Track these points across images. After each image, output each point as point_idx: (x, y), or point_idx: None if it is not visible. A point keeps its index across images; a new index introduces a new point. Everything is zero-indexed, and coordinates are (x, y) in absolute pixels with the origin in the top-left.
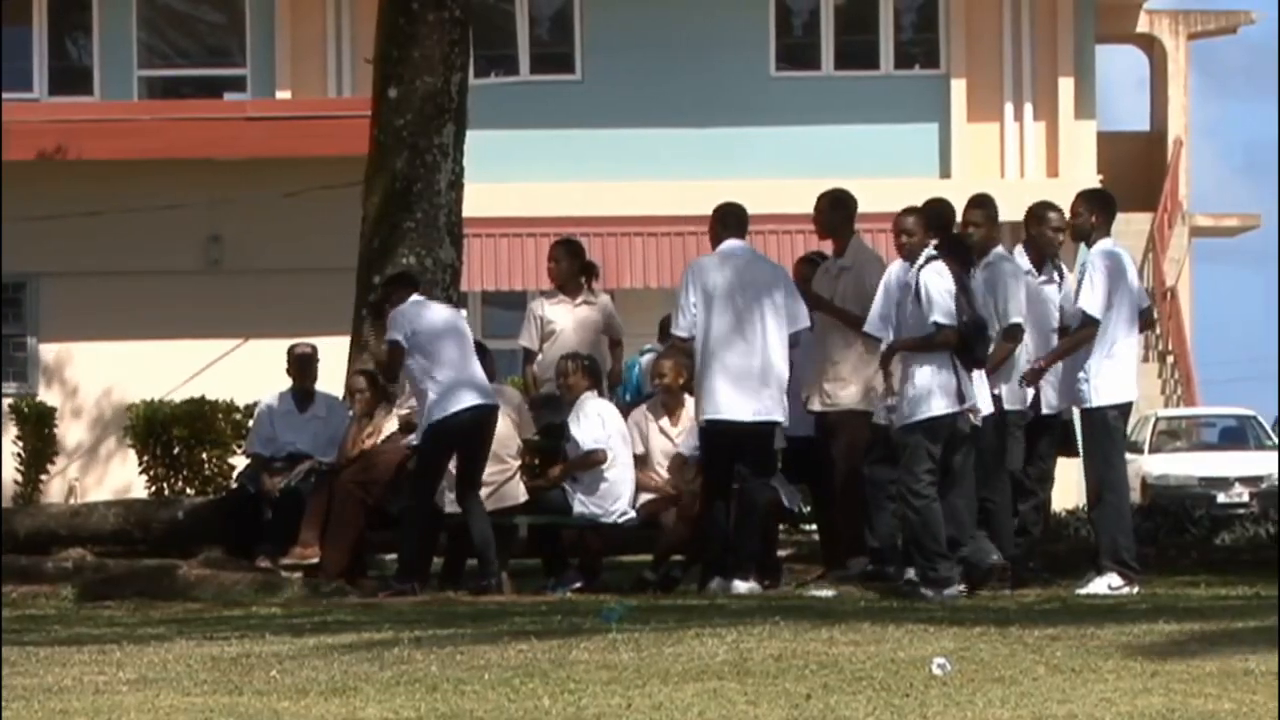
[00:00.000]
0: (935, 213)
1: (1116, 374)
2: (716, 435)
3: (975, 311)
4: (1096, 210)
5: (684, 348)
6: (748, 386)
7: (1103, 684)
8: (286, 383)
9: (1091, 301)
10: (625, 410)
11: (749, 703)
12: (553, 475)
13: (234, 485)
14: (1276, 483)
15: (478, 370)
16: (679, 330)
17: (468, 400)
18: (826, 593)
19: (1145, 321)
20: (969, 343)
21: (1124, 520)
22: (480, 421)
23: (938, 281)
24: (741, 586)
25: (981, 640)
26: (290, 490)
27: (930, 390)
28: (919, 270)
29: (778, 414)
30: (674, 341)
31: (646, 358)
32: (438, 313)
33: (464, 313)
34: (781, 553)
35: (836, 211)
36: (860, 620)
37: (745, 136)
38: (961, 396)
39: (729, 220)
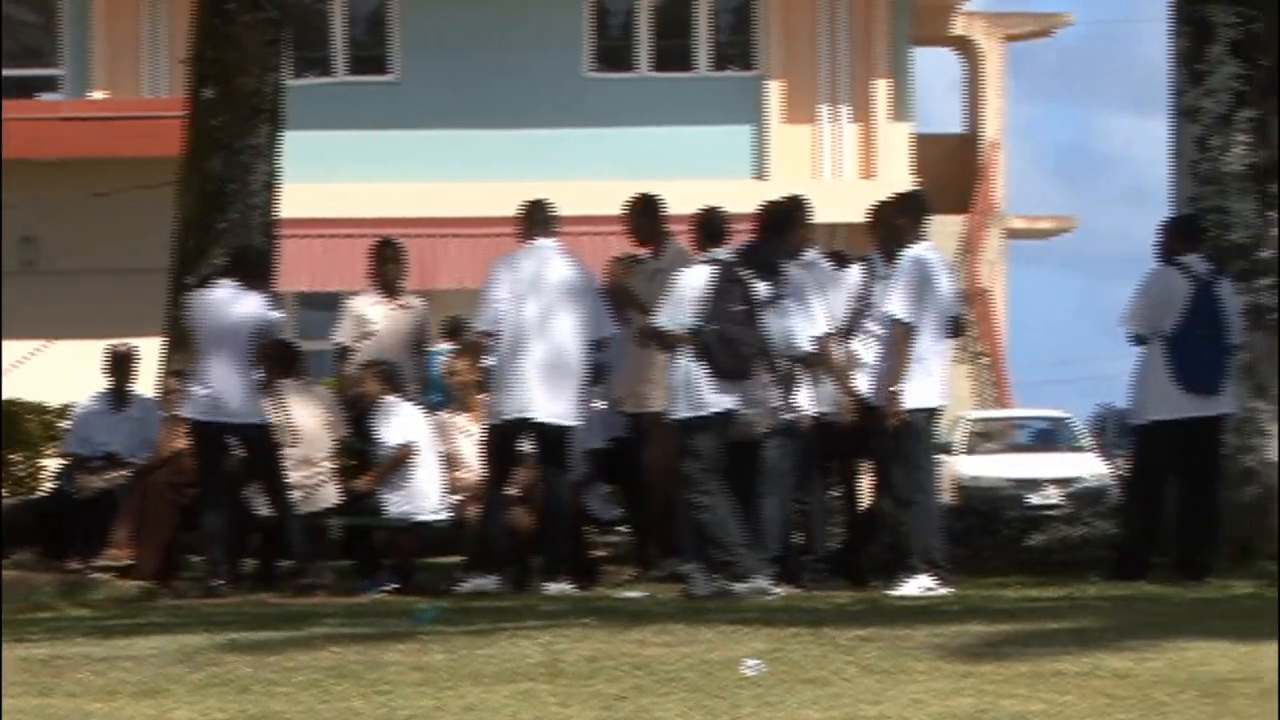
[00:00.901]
0: (706, 220)
1: (924, 379)
2: (512, 433)
3: (730, 323)
4: (907, 213)
5: (480, 344)
6: (546, 386)
7: (914, 685)
8: (102, 383)
9: (897, 305)
10: (434, 411)
11: (561, 704)
12: (365, 482)
13: (51, 486)
14: (1089, 484)
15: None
16: (482, 325)
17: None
18: (638, 594)
19: (955, 328)
20: (709, 350)
21: (935, 522)
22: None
23: (685, 281)
24: (553, 587)
25: (794, 641)
26: (103, 492)
27: (676, 389)
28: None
29: (573, 415)
30: (473, 337)
31: (444, 358)
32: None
33: (277, 315)
34: (595, 554)
35: (645, 216)
36: (673, 621)
37: (560, 137)
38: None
39: (537, 217)
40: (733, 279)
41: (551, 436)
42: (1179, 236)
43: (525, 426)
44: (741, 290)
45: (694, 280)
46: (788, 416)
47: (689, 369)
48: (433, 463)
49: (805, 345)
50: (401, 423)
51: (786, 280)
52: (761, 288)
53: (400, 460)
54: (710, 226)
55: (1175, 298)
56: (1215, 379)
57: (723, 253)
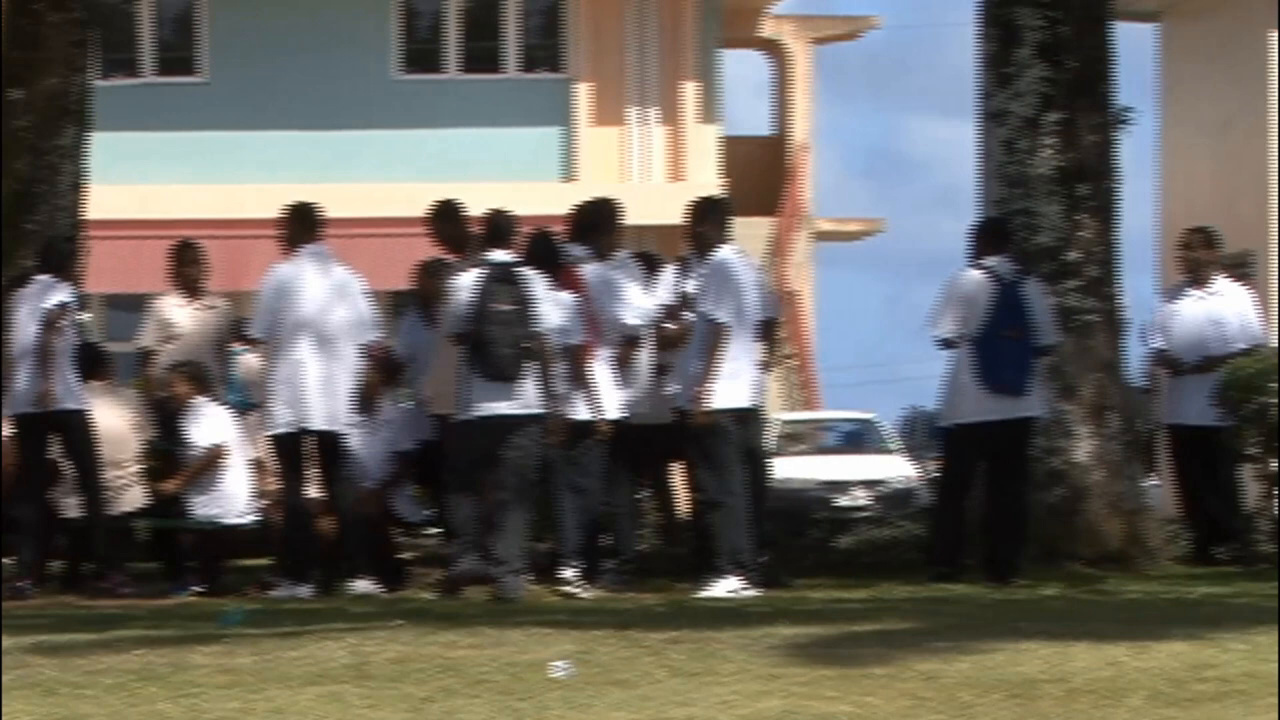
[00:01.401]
0: (491, 222)
1: (731, 380)
2: (290, 440)
3: (497, 324)
4: (710, 218)
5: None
6: (320, 392)
7: (722, 687)
8: None
9: (711, 307)
10: (242, 412)
11: (369, 706)
12: (174, 485)
13: None
14: (897, 486)
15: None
16: (255, 332)
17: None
18: (450, 595)
19: (767, 331)
20: (474, 352)
21: (741, 524)
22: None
23: (456, 284)
24: (359, 585)
25: (602, 643)
26: None
27: (460, 391)
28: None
29: (348, 419)
30: (253, 342)
31: (243, 358)
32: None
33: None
34: (403, 556)
35: (447, 222)
36: (481, 623)
37: (370, 140)
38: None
39: (305, 222)
40: (502, 279)
41: (329, 442)
42: (985, 239)
43: (307, 434)
44: (512, 290)
45: (463, 283)
46: (586, 417)
47: (462, 372)
48: (241, 465)
49: (576, 340)
50: (211, 424)
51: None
52: (538, 287)
53: (210, 462)
54: (495, 228)
55: (979, 300)
56: (1020, 381)
57: (499, 254)
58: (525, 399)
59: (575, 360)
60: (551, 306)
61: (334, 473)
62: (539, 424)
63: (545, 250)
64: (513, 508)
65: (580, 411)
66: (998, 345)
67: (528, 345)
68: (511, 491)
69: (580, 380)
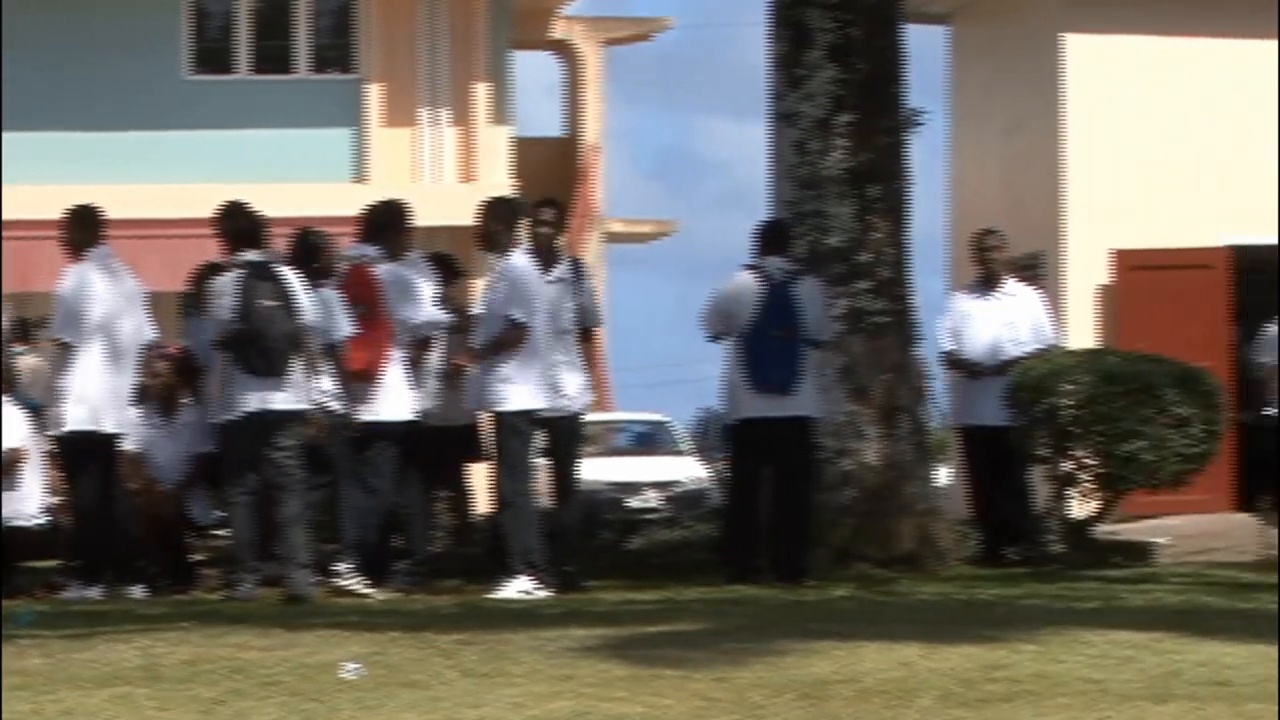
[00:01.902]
0: (227, 218)
1: (523, 384)
2: (81, 440)
3: (257, 321)
4: (501, 219)
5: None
6: (111, 394)
7: (514, 688)
8: None
9: (509, 308)
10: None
11: (159, 708)
12: None
13: None
14: (688, 487)
15: None
16: (60, 334)
17: None
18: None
19: (586, 336)
20: (235, 349)
21: (534, 525)
22: None
23: (216, 285)
24: (136, 590)
25: (393, 644)
26: None
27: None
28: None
29: (127, 423)
30: (51, 344)
31: (24, 359)
32: None
33: None
34: (195, 558)
35: (233, 222)
36: (272, 625)
37: (160, 140)
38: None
39: (88, 224)
40: (263, 276)
41: (112, 446)
42: (765, 240)
43: (96, 437)
44: (273, 287)
45: (223, 284)
46: (377, 418)
47: (226, 372)
48: (37, 466)
49: (343, 336)
50: (9, 426)
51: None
52: (297, 284)
53: (11, 464)
54: (242, 228)
55: (746, 299)
56: (788, 380)
57: (254, 254)
58: (292, 394)
59: (339, 358)
60: (311, 303)
61: (112, 477)
62: (305, 420)
63: (305, 249)
64: (288, 505)
65: (371, 412)
66: (766, 345)
67: (293, 341)
68: (285, 489)
69: (344, 377)
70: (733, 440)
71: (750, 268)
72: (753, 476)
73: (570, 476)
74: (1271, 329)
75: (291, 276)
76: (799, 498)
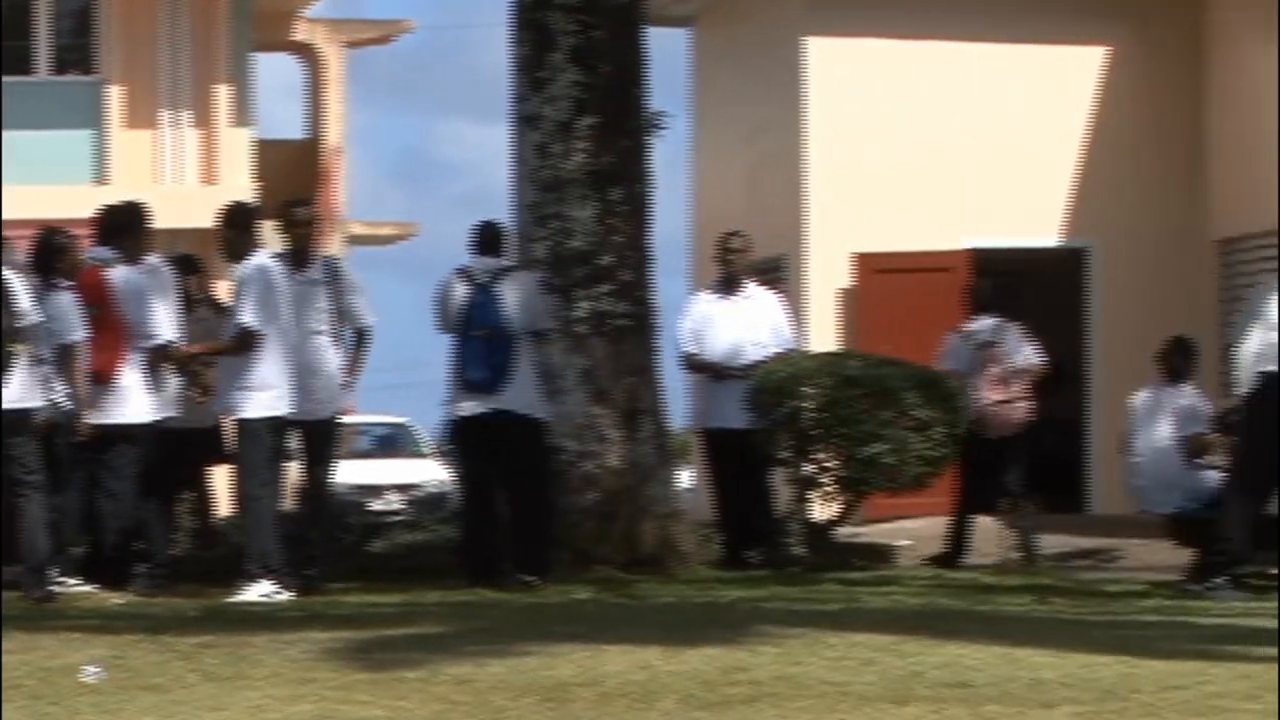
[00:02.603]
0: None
1: (263, 390)
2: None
3: None
4: (236, 224)
5: None
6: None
7: (255, 691)
8: None
9: (243, 314)
10: None
11: None
12: None
13: None
14: (430, 490)
15: None
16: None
17: None
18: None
19: (362, 340)
20: None
21: (272, 528)
22: None
23: None
24: None
25: (134, 648)
26: None
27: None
28: None
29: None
30: None
31: None
32: None
33: None
34: None
35: None
36: (11, 627)
37: None
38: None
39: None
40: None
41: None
42: (476, 241)
43: None
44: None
45: None
46: (116, 421)
47: None
48: None
49: (75, 339)
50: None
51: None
52: (17, 284)
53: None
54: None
55: (453, 301)
56: (489, 378)
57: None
58: (15, 393)
59: (70, 359)
60: (36, 304)
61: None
62: (32, 421)
63: (47, 250)
64: (27, 507)
65: (109, 415)
66: (470, 344)
67: (12, 341)
68: (21, 490)
69: (75, 379)
70: (452, 439)
71: (459, 270)
72: (482, 477)
73: (319, 480)
74: (953, 338)
75: (11, 276)
76: (531, 497)
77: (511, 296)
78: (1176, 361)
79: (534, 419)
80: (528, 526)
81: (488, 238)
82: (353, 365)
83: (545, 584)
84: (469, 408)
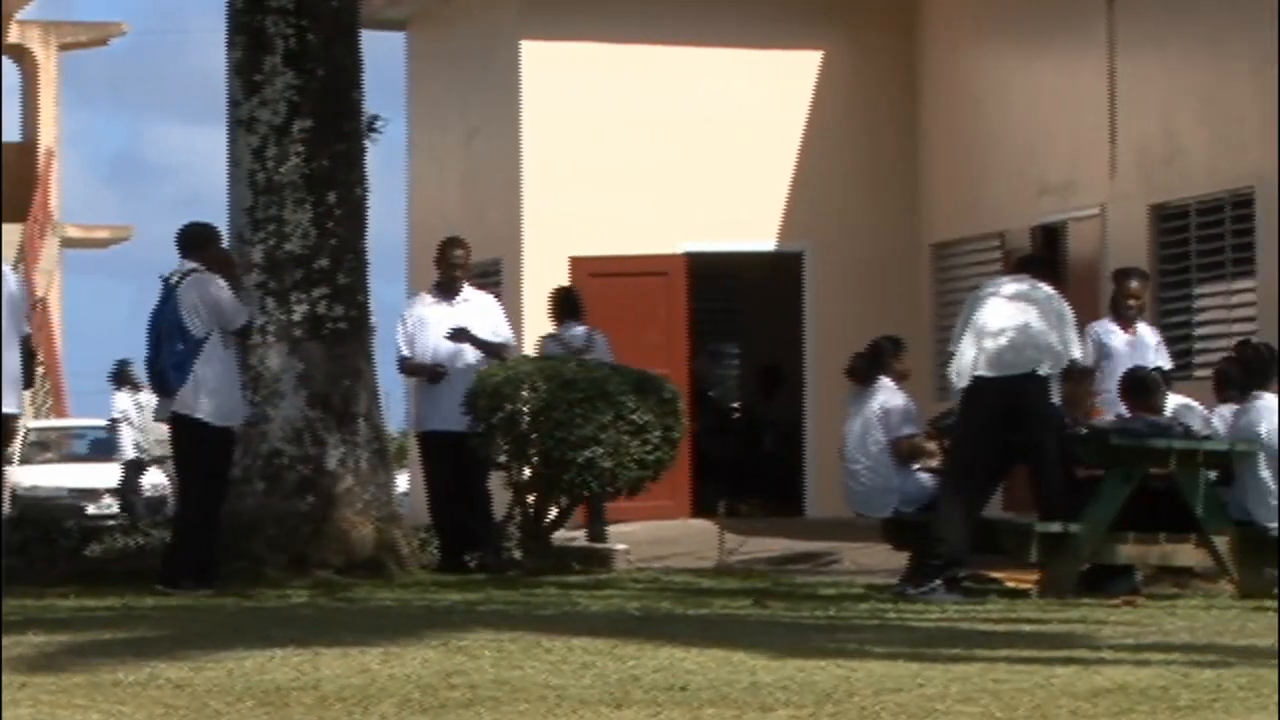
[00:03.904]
0: None
1: None
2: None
3: None
4: None
5: None
6: None
7: None
8: None
9: None
10: None
11: None
12: None
13: None
14: (147, 494)
15: None
16: None
17: None
18: None
19: (26, 345)
20: None
21: None
22: None
23: None
24: None
25: None
26: None
27: None
28: None
29: None
30: None
31: None
32: None
33: None
34: None
35: None
36: None
37: None
38: None
39: None
40: None
41: None
42: (181, 245)
43: None
44: None
45: None
46: None
47: None
48: None
49: None
50: None
51: None
52: None
53: None
54: None
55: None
56: (163, 381)
57: None
58: None
59: None
60: None
61: None
62: None
63: None
64: None
65: None
66: (154, 348)
67: None
68: None
69: None
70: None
71: (164, 277)
72: (188, 478)
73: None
74: (549, 342)
75: None
76: (199, 503)
77: (188, 298)
78: (876, 364)
79: (199, 421)
80: (188, 534)
81: (184, 240)
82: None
83: (216, 593)
84: (162, 409)
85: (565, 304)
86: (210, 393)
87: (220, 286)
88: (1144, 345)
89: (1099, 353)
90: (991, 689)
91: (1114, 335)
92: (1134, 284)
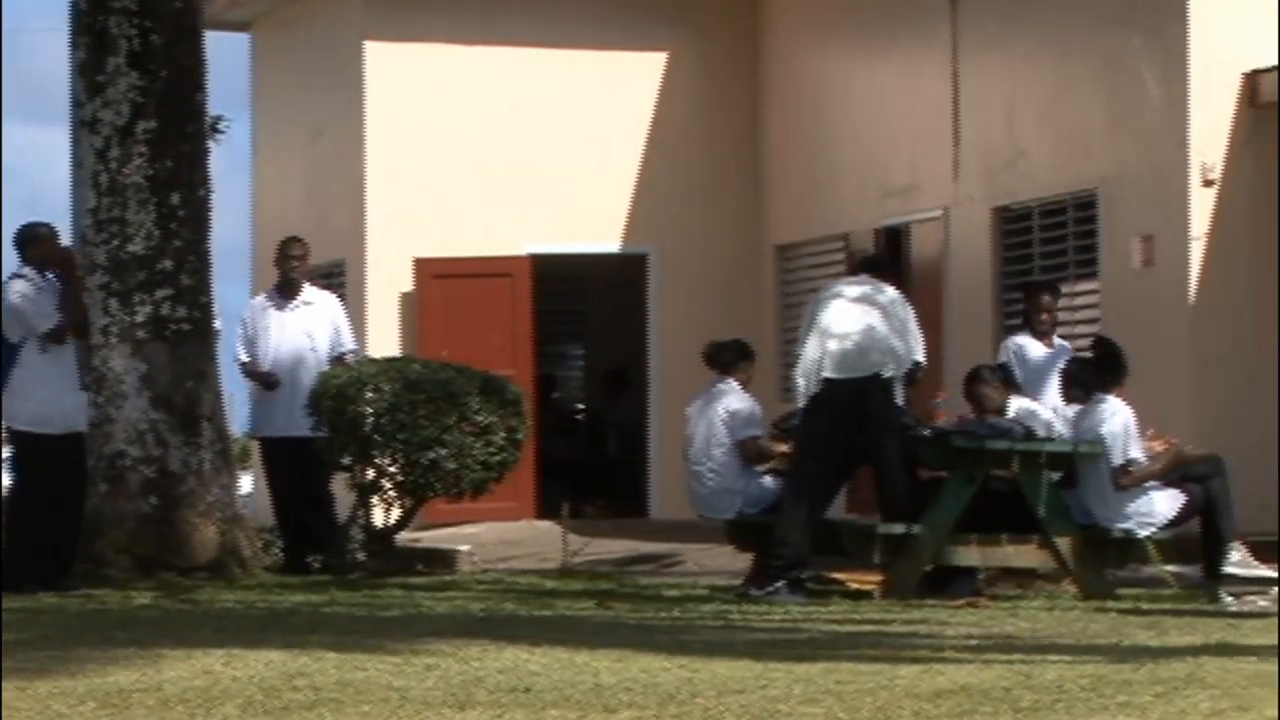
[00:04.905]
0: None
1: None
2: None
3: None
4: None
5: None
6: None
7: None
8: None
9: None
10: None
11: None
12: None
13: None
14: None
15: None
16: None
17: None
18: None
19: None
20: None
21: None
22: None
23: None
24: None
25: None
26: None
27: None
28: None
29: None
30: None
31: None
32: None
33: None
34: None
35: None
36: None
37: None
38: None
39: None
40: None
41: None
42: (16, 245)
43: None
44: None
45: None
46: None
47: None
48: None
49: None
50: None
51: None
52: None
53: None
54: None
55: None
56: None
57: None
58: None
59: None
60: None
61: None
62: None
63: None
64: None
65: None
66: None
67: None
68: None
69: None
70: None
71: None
72: (21, 483)
73: None
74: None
75: None
76: (29, 508)
77: (4, 303)
78: (737, 356)
79: (20, 430)
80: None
81: (17, 240)
82: None
83: (59, 595)
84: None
85: None
86: (27, 399)
87: (17, 291)
88: (1064, 354)
89: (1020, 365)
90: (835, 690)
91: (1032, 346)
92: (1045, 298)
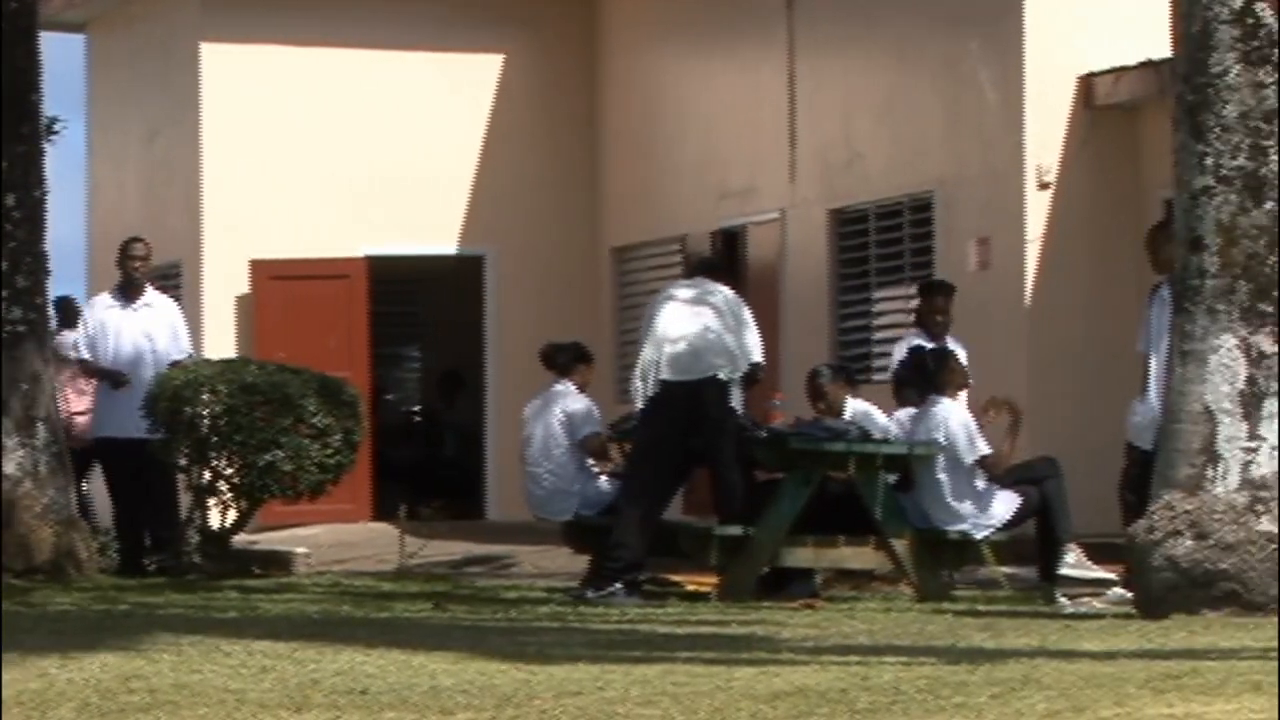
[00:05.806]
0: None
1: None
2: None
3: None
4: None
5: None
6: None
7: None
8: None
9: None
10: None
11: None
12: None
13: None
14: None
15: None
16: None
17: None
18: None
19: None
20: None
21: None
22: None
23: None
24: None
25: None
26: None
27: None
28: None
29: None
30: None
31: None
32: None
33: None
34: None
35: None
36: None
37: None
38: None
39: None
40: None
41: None
42: None
43: None
44: None
45: None
46: None
47: None
48: None
49: None
50: None
51: None
52: None
53: None
54: None
55: None
56: None
57: None
58: None
59: None
60: None
61: None
62: None
63: None
64: None
65: None
66: None
67: None
68: None
69: None
70: None
71: None
72: None
73: None
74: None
75: None
76: None
77: None
78: (574, 358)
79: None
80: None
81: None
82: None
83: None
84: None
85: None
86: None
87: None
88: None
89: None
90: (671, 691)
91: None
92: (940, 300)
